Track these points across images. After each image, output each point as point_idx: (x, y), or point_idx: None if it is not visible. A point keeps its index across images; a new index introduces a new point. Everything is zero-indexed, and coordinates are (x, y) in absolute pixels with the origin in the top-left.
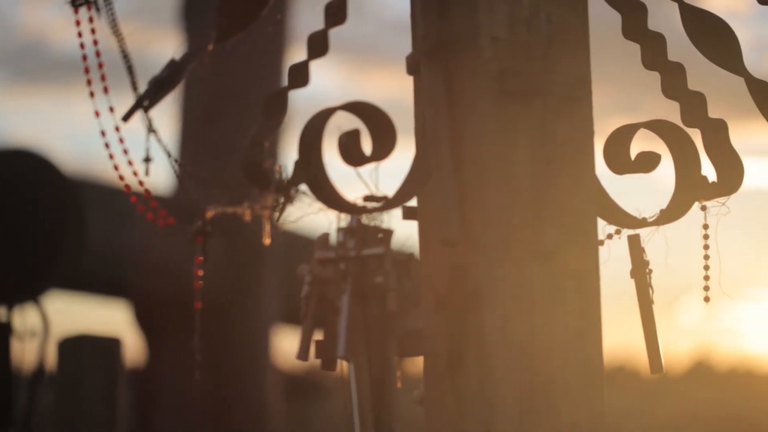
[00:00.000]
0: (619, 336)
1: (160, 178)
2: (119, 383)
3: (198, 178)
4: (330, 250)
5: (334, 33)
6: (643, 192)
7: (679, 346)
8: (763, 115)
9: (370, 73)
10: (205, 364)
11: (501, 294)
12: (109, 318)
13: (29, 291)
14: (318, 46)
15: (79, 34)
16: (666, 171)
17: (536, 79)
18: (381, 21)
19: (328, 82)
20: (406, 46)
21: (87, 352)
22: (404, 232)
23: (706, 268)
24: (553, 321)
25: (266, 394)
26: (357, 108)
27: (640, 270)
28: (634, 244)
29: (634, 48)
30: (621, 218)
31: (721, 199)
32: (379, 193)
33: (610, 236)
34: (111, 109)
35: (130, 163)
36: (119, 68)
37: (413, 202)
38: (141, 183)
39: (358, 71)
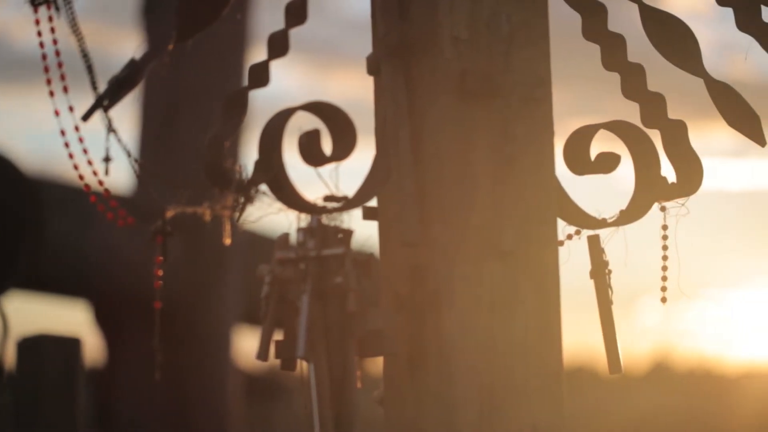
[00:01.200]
0: (579, 336)
1: (120, 177)
2: (79, 383)
3: (158, 178)
4: (290, 251)
5: (295, 33)
6: (603, 192)
7: (638, 346)
8: (722, 116)
9: (331, 73)
10: (166, 364)
11: (461, 294)
12: (69, 318)
13: None
14: (278, 46)
15: (39, 34)
16: (626, 172)
17: (496, 80)
18: (342, 21)
19: (289, 82)
20: (367, 46)
21: (47, 352)
22: (364, 232)
23: (665, 268)
24: (513, 321)
25: (227, 394)
26: (317, 108)
27: (600, 270)
28: (594, 244)
29: (594, 49)
30: (581, 219)
31: (681, 200)
32: (340, 194)
33: (569, 237)
34: (71, 109)
35: (89, 162)
36: (79, 68)
37: (373, 203)
38: (101, 183)
39: (318, 71)
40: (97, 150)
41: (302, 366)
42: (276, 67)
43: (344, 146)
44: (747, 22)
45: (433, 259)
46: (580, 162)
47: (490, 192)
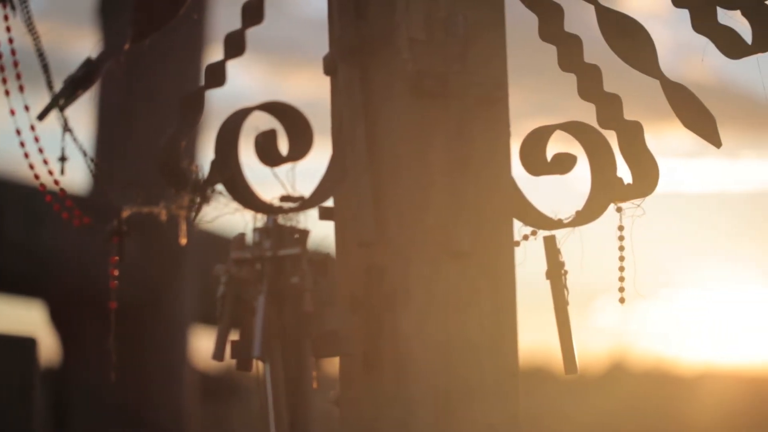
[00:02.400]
0: (536, 337)
1: (76, 177)
2: (35, 383)
3: (114, 178)
4: (246, 251)
5: (252, 33)
6: (559, 193)
7: (595, 347)
8: (678, 117)
9: (288, 73)
10: (122, 364)
11: (417, 294)
12: (25, 317)
13: None
14: (235, 45)
15: None
16: (582, 172)
17: (453, 80)
18: (300, 20)
19: (246, 82)
20: (325, 46)
21: (2, 352)
22: (320, 232)
23: (621, 269)
24: (469, 322)
25: (183, 394)
26: (274, 108)
27: (556, 271)
28: (550, 245)
29: (551, 50)
30: (537, 219)
31: (637, 201)
32: (296, 194)
33: (525, 237)
34: (26, 108)
35: (45, 162)
36: (35, 67)
37: (329, 203)
38: (56, 182)
39: (276, 71)
40: (53, 149)
41: (258, 366)
42: (233, 66)
43: (301, 146)
44: (703, 23)
45: (389, 260)
46: (536, 163)
47: (446, 192)
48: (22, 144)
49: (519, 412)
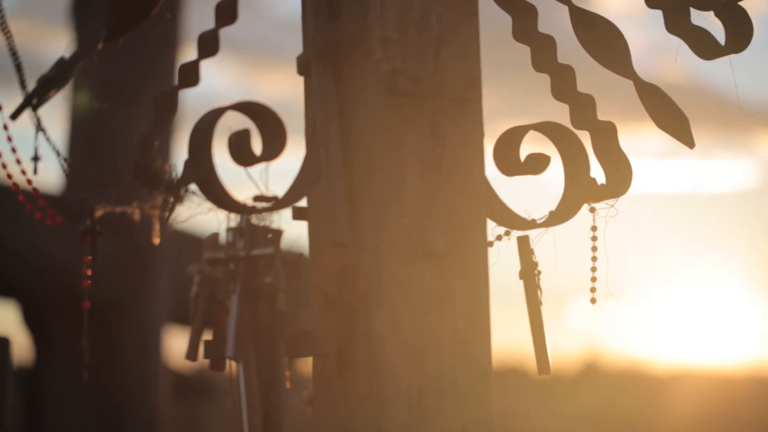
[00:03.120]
0: (510, 337)
1: (49, 176)
2: (8, 383)
3: (87, 178)
4: (219, 250)
5: (226, 32)
6: (533, 193)
7: (568, 347)
8: (651, 117)
9: (262, 73)
10: (95, 364)
11: (390, 295)
12: None
13: None
14: (208, 45)
15: None
16: (555, 173)
17: (427, 81)
18: (273, 21)
19: (219, 82)
20: (298, 46)
21: None
22: (294, 232)
23: (594, 269)
24: (443, 322)
25: (156, 394)
26: (247, 108)
27: (529, 271)
28: (524, 245)
29: (524, 50)
30: (510, 220)
31: (610, 201)
32: (269, 194)
33: (499, 237)
34: None
35: (18, 161)
36: (8, 66)
37: (303, 203)
38: (29, 182)
39: (249, 71)
40: (26, 149)
41: (231, 366)
42: (206, 66)
43: (274, 146)
44: (676, 24)
45: (363, 260)
46: (509, 163)
47: (420, 192)
48: None
49: (492, 412)
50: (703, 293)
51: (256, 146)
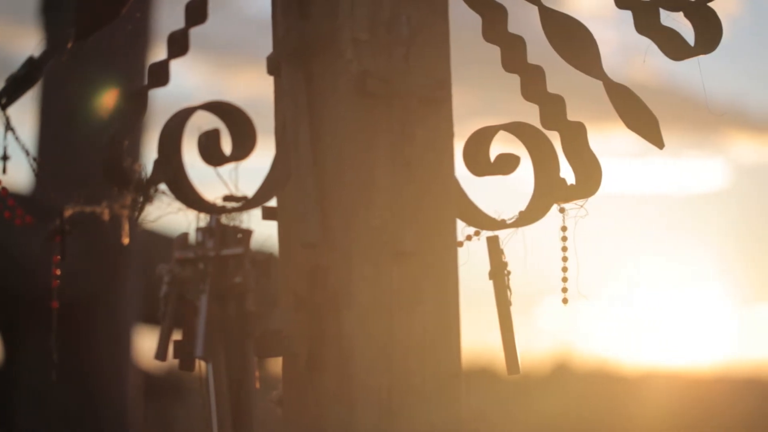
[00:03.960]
0: (480, 337)
1: (18, 176)
2: None
3: (56, 177)
4: (189, 250)
5: (196, 32)
6: (503, 194)
7: (539, 347)
8: (621, 118)
9: (232, 73)
10: (65, 364)
11: (360, 295)
12: None
13: None
14: (178, 45)
15: None
16: (525, 173)
17: (396, 81)
18: (243, 20)
19: (189, 82)
20: (268, 46)
21: None
22: (264, 232)
23: (564, 269)
24: (412, 322)
25: (126, 394)
26: (217, 107)
27: (499, 271)
28: (493, 245)
29: (494, 50)
30: (480, 220)
31: (580, 202)
32: (239, 193)
33: (469, 237)
34: None
35: None
36: None
37: (273, 203)
38: None
39: (219, 70)
40: None
41: (201, 366)
42: (176, 66)
43: (244, 146)
44: (646, 24)
45: (333, 260)
46: (479, 163)
47: (390, 193)
48: None
49: (462, 412)
50: (673, 294)
51: (226, 146)
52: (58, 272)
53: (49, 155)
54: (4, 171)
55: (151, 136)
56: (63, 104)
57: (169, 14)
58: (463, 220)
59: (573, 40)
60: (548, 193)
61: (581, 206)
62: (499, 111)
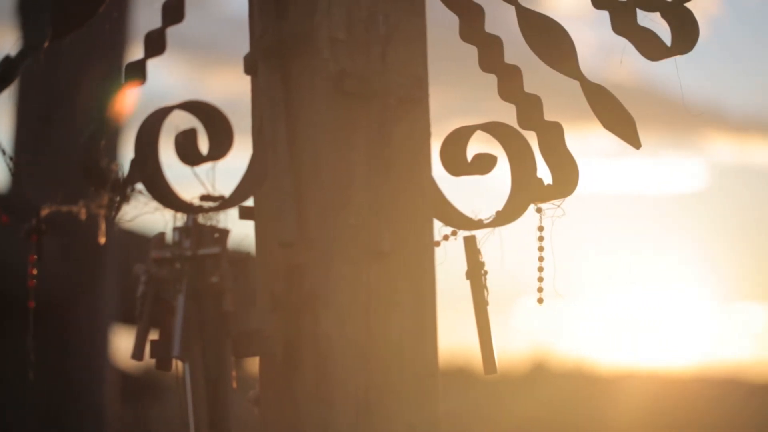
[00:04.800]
0: (457, 337)
1: None
2: None
3: (33, 176)
4: (166, 250)
5: (173, 31)
6: (480, 194)
7: (517, 347)
8: (597, 118)
9: (209, 72)
10: (42, 364)
11: (337, 294)
12: None
13: None
14: (155, 44)
15: None
16: (502, 173)
17: (374, 80)
18: (220, 19)
19: (166, 81)
20: (245, 45)
21: None
22: (241, 231)
23: (541, 269)
24: (390, 322)
25: (104, 394)
26: (194, 107)
27: (476, 271)
28: (470, 245)
29: (472, 50)
30: (457, 220)
31: (557, 202)
32: (216, 193)
33: (446, 237)
34: None
35: None
36: None
37: (250, 202)
38: None
39: (196, 70)
40: None
41: (177, 366)
42: (153, 65)
43: (221, 145)
44: (622, 25)
45: (310, 259)
46: (456, 163)
47: (367, 192)
48: None
49: (439, 412)
50: (650, 294)
51: (203, 145)
52: (35, 272)
53: (25, 154)
54: None
55: (128, 136)
56: (40, 103)
57: (146, 14)
58: (440, 219)
59: (550, 40)
60: (525, 193)
61: (558, 206)
62: (476, 111)
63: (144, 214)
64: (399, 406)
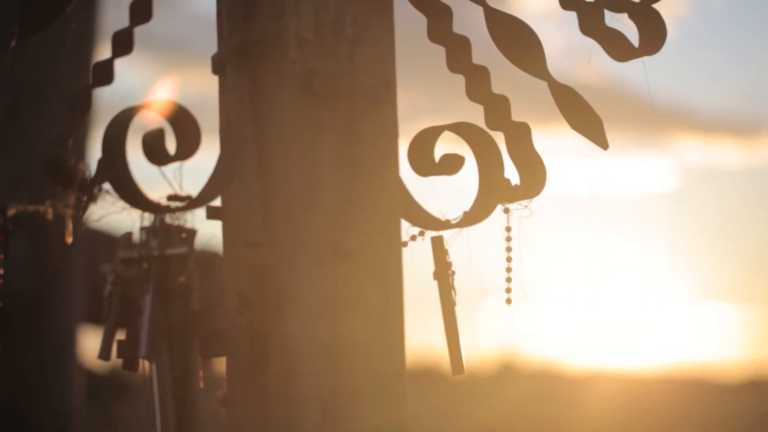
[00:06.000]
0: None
1: None
2: None
3: (0, 176)
4: (133, 250)
5: (141, 31)
6: (447, 194)
7: (484, 348)
8: (565, 119)
9: (176, 72)
10: (8, 363)
11: (304, 295)
12: None
13: None
14: (123, 44)
15: None
16: (470, 173)
17: (341, 80)
18: (188, 19)
19: (134, 81)
20: (213, 45)
21: None
22: (208, 231)
23: (509, 270)
24: (357, 322)
25: (70, 394)
26: (161, 107)
27: (443, 272)
28: (438, 245)
29: (440, 50)
30: (425, 220)
31: (524, 202)
32: (183, 193)
33: (413, 238)
34: None
35: None
36: None
37: (217, 202)
38: None
39: (164, 69)
40: None
41: (144, 366)
42: (121, 65)
43: (188, 145)
44: (590, 25)
45: (277, 260)
46: (424, 163)
47: (335, 193)
48: None
49: (406, 412)
50: (619, 295)
51: (171, 145)
52: (2, 271)
53: None
54: None
55: (95, 135)
56: (5, 102)
57: (114, 13)
58: (407, 220)
59: (518, 41)
60: (493, 194)
61: (526, 206)
62: (444, 111)
63: (111, 214)
64: (366, 406)
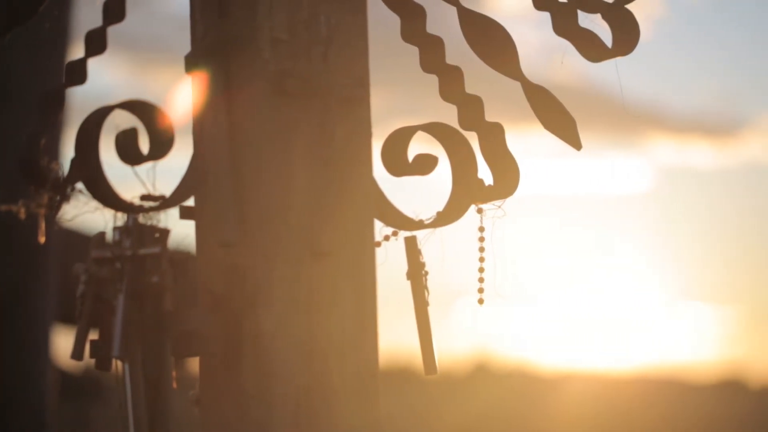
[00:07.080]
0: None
1: None
2: None
3: None
4: (106, 249)
5: (114, 30)
6: (421, 194)
7: (458, 348)
8: (539, 119)
9: (150, 71)
10: None
11: (278, 295)
12: None
13: None
14: (96, 43)
15: None
16: (443, 174)
17: (315, 81)
18: (162, 18)
19: (107, 80)
20: (187, 45)
21: None
22: (181, 231)
23: (481, 270)
24: (330, 322)
25: (43, 394)
26: (135, 106)
27: (417, 272)
28: (411, 246)
29: (413, 50)
30: (398, 220)
31: (497, 202)
32: (156, 193)
33: (387, 238)
34: None
35: None
36: None
37: (190, 202)
38: None
39: (138, 69)
40: None
41: (117, 366)
42: (94, 64)
43: (161, 145)
44: (564, 26)
45: (251, 259)
46: (397, 163)
47: (308, 192)
48: None
49: (380, 412)
50: (593, 295)
51: (144, 145)
52: None
53: None
54: None
55: (69, 135)
56: None
57: (87, 12)
58: (380, 220)
59: (491, 41)
60: (466, 194)
61: (499, 207)
62: (417, 111)
63: (84, 214)
64: (340, 406)
